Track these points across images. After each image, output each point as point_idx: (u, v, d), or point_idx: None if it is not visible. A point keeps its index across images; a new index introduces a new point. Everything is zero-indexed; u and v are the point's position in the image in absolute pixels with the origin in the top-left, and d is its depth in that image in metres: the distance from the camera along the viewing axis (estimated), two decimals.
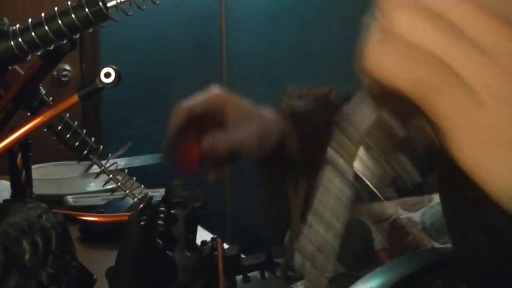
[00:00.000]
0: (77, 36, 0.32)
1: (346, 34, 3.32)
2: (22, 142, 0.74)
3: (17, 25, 0.32)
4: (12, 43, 0.32)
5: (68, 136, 0.39)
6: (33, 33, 0.31)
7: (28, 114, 0.41)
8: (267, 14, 3.11)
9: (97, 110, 2.71)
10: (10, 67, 0.38)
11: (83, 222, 0.47)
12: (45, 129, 0.40)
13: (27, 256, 0.32)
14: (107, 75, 0.30)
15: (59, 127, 0.39)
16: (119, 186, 0.36)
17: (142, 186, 0.36)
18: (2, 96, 0.40)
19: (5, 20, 0.33)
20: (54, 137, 0.40)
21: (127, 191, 0.36)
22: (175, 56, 2.95)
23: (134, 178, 0.37)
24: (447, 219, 0.65)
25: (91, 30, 0.31)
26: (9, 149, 0.39)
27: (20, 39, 0.31)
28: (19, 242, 0.33)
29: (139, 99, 2.89)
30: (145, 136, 2.92)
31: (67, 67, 2.57)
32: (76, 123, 0.40)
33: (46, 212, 0.36)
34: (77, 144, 0.38)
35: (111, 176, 0.36)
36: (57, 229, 0.35)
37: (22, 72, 0.41)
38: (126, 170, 0.37)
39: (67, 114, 0.40)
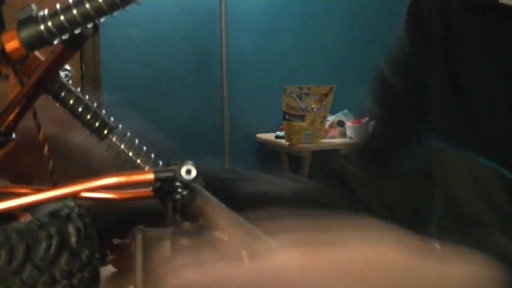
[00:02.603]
0: (102, 20, 0.34)
1: (346, 34, 3.35)
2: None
3: (46, 10, 0.34)
4: (41, 27, 0.34)
5: (88, 117, 0.41)
6: (61, 17, 0.33)
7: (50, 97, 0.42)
8: (267, 14, 3.13)
9: None
10: (30, 53, 0.40)
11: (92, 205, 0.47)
12: (66, 111, 0.42)
13: (41, 252, 0.34)
14: (188, 172, 0.31)
15: (80, 109, 0.41)
16: (138, 164, 0.38)
17: (161, 162, 0.37)
18: (25, 83, 0.42)
19: (33, 6, 0.35)
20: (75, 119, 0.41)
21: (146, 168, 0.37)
22: (175, 56, 2.97)
23: (152, 155, 0.38)
24: None
25: (115, 13, 0.33)
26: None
27: (49, 23, 0.33)
28: (36, 238, 0.34)
29: (139, 99, 2.90)
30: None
31: (67, 67, 2.58)
32: (95, 104, 0.42)
33: (72, 207, 0.38)
34: (97, 124, 0.40)
35: (130, 154, 0.38)
36: (78, 225, 0.37)
37: (42, 58, 0.43)
38: (145, 148, 0.39)
39: (87, 96, 0.42)
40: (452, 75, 0.60)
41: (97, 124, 0.40)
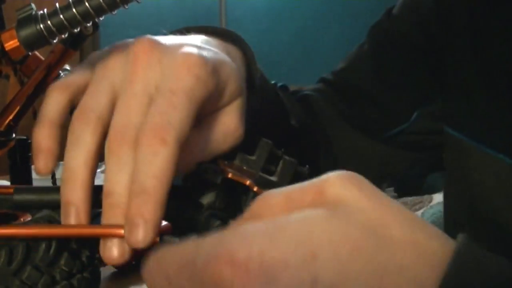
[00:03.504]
0: (102, 18, 0.34)
1: (346, 34, 3.35)
2: (22, 142, 0.75)
3: (45, 9, 0.34)
4: (41, 26, 0.34)
5: None
6: (61, 16, 0.33)
7: None
8: (267, 14, 3.13)
9: None
10: (30, 53, 0.40)
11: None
12: None
13: (40, 253, 0.34)
14: None
15: None
16: None
17: None
18: (25, 83, 0.42)
19: (32, 5, 0.35)
20: None
21: None
22: None
23: None
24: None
25: (115, 12, 0.33)
26: (10, 149, 0.41)
27: (49, 22, 0.33)
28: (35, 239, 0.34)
29: None
30: None
31: (67, 67, 2.58)
32: None
33: None
34: None
35: None
36: None
37: (42, 58, 0.43)
38: None
39: None
40: (478, 63, 0.54)
41: None
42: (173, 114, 0.32)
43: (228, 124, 0.39)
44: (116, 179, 0.33)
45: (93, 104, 0.35)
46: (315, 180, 0.27)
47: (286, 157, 0.36)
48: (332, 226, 0.24)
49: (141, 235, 0.31)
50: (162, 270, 0.26)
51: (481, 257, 0.24)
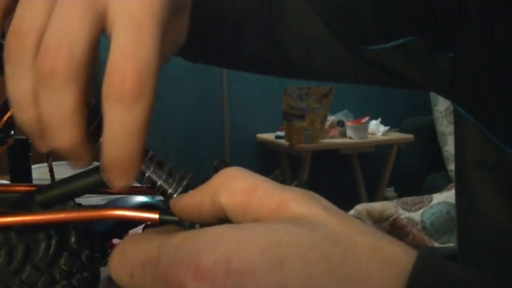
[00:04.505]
0: None
1: None
2: (22, 142, 0.75)
3: None
4: None
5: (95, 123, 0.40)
6: None
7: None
8: None
9: None
10: None
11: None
12: None
13: (40, 252, 0.34)
14: None
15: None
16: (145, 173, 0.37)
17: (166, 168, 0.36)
18: None
19: None
20: None
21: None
22: (175, 56, 2.96)
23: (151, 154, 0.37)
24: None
25: None
26: (9, 148, 0.40)
27: None
28: (36, 238, 0.34)
29: None
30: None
31: None
32: (93, 101, 0.41)
33: (71, 207, 0.37)
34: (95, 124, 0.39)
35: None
36: (78, 225, 0.37)
37: None
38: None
39: (93, 100, 0.41)
40: (489, 46, 0.46)
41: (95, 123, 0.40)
42: (142, 55, 0.28)
43: (181, 27, 0.37)
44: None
45: (28, 20, 0.28)
46: (281, 190, 0.26)
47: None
48: (299, 235, 0.24)
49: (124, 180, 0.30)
50: (126, 265, 0.26)
51: (443, 265, 0.24)
